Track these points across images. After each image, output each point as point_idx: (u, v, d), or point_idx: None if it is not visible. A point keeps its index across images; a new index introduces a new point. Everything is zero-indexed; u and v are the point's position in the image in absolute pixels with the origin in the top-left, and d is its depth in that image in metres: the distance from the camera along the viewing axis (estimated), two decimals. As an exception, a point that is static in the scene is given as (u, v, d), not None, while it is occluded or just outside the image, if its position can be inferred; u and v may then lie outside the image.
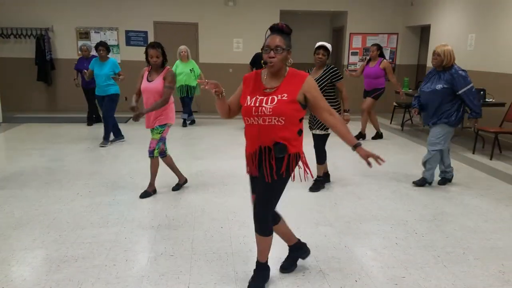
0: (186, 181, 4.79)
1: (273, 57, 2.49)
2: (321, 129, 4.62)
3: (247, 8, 9.96)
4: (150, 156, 4.43)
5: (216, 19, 9.94)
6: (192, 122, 8.85)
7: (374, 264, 3.13)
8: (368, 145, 6.70)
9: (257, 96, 2.55)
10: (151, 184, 4.52)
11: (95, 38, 9.63)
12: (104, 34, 9.71)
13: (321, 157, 4.76)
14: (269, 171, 2.58)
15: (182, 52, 8.16)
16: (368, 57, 7.61)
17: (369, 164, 2.53)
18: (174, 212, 4.05)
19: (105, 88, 6.69)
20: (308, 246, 3.10)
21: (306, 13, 10.95)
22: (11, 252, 3.22)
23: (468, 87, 4.52)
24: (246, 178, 2.83)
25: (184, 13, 9.79)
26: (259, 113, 2.51)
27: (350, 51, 10.32)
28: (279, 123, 2.51)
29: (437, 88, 4.57)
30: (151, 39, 9.74)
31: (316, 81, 4.40)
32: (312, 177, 3.02)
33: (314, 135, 4.71)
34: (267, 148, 2.59)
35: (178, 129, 8.13)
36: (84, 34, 9.65)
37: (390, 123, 9.21)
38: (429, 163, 4.85)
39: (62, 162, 5.76)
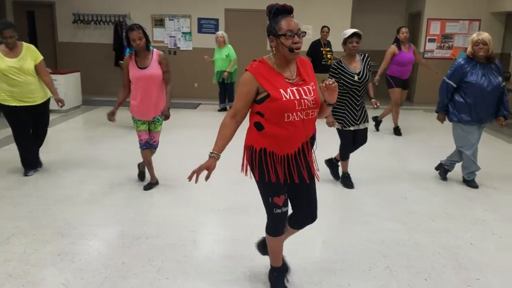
0: (157, 182, 4.47)
1: (299, 42, 2.23)
2: (366, 122, 4.32)
3: (318, -6, 9.74)
4: (153, 149, 4.37)
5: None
6: (223, 109, 8.67)
7: (446, 263, 2.97)
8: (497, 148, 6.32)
9: (291, 88, 2.25)
10: (152, 175, 4.42)
11: (169, 25, 9.94)
12: (178, 21, 9.98)
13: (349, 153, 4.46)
14: (313, 167, 2.44)
15: (218, 37, 8.14)
16: (397, 42, 6.41)
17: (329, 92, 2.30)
18: (239, 198, 4.11)
19: None
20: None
21: (381, -2, 10.49)
22: (89, 227, 3.44)
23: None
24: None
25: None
26: (304, 107, 2.25)
27: (427, 37, 9.77)
28: (315, 115, 2.37)
29: (500, 82, 4.13)
30: (221, 26, 9.83)
31: (361, 74, 4.07)
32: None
33: (359, 130, 4.29)
34: (308, 143, 2.41)
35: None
36: (159, 22, 9.98)
37: None
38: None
39: (137, 145, 6.01)
